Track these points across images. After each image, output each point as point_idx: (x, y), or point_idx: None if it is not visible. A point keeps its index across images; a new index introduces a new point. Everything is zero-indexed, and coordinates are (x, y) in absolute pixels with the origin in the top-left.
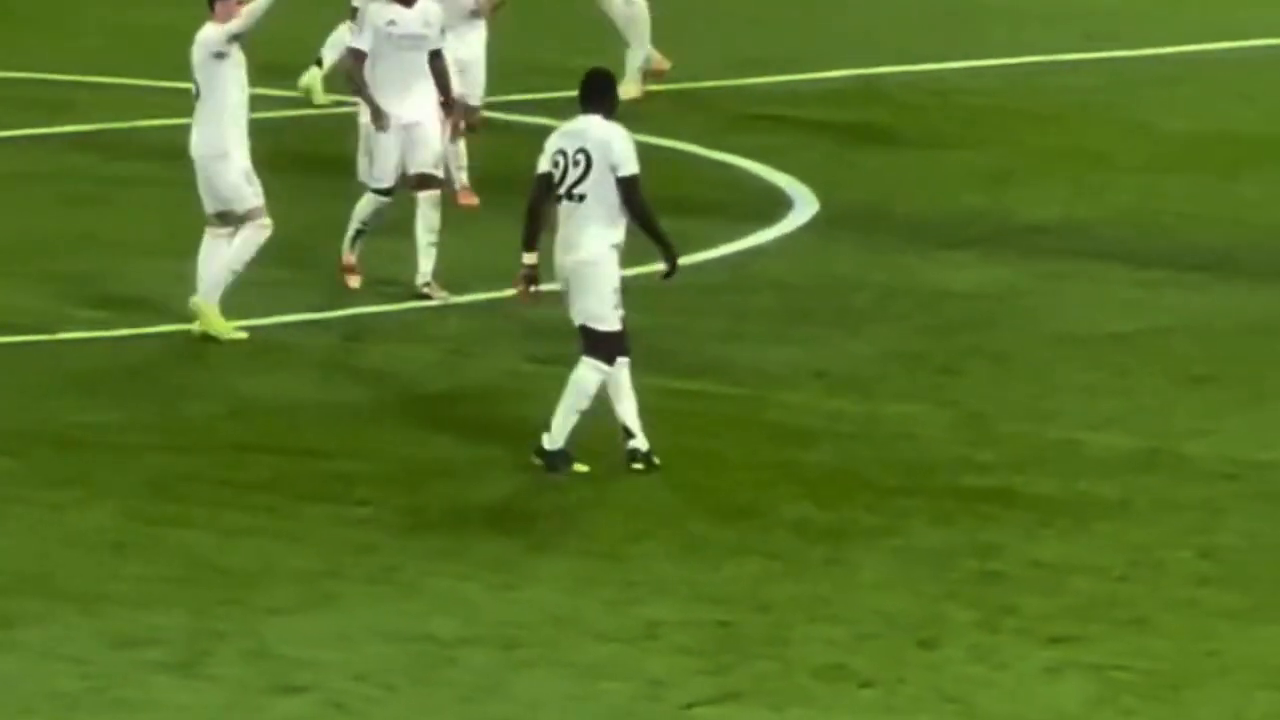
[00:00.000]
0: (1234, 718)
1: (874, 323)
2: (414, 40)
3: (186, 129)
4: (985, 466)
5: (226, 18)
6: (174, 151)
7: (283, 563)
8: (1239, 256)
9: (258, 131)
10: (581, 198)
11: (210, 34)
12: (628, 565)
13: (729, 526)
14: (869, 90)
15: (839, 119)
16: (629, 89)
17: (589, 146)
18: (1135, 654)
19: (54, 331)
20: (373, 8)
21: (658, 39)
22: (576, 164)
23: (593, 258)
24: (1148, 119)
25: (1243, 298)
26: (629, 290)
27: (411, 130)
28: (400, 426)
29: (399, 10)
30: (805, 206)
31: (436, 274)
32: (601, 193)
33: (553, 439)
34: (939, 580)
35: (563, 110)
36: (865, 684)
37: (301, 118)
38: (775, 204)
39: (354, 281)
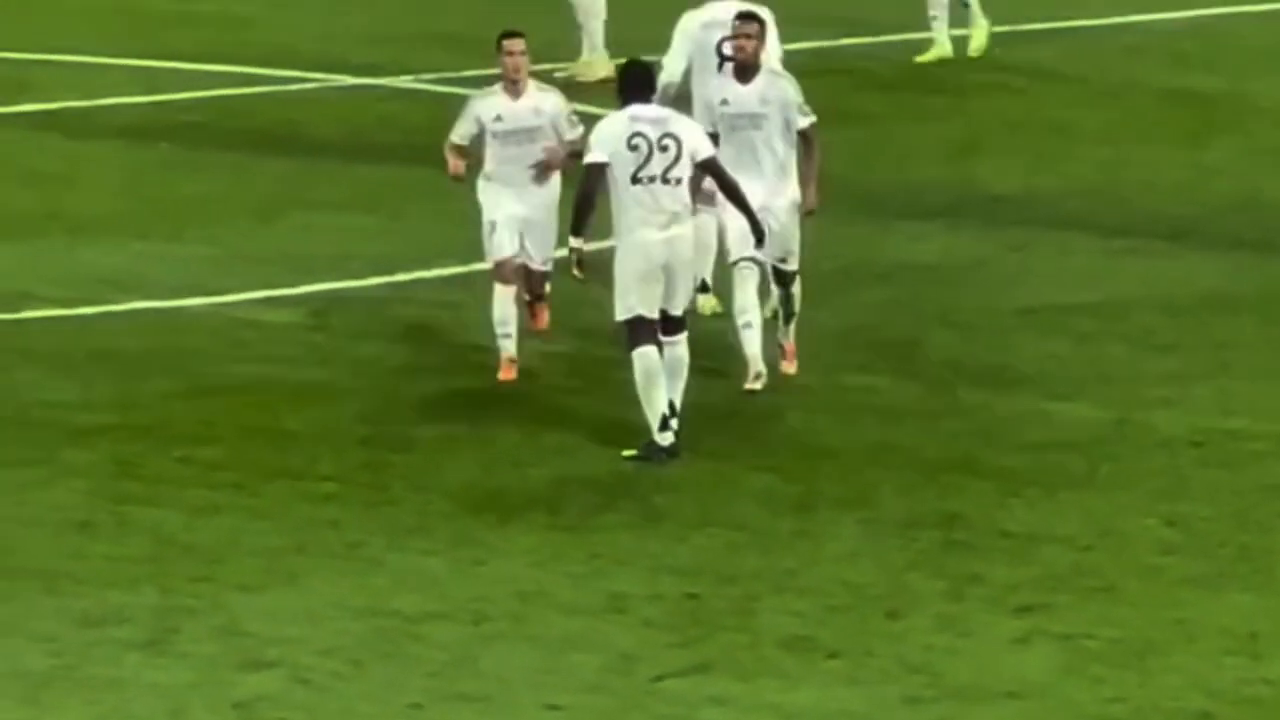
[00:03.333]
0: (1201, 685)
1: (837, 295)
2: (751, 120)
3: (147, 107)
4: (950, 437)
5: None
6: (134, 130)
7: (249, 540)
8: (1202, 225)
9: (210, 110)
10: (678, 181)
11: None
12: (593, 538)
13: (694, 499)
14: (828, 61)
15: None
16: (598, 68)
17: (676, 132)
18: (1102, 622)
19: (17, 310)
20: (712, 83)
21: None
22: (665, 149)
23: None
24: (1111, 88)
25: (1206, 266)
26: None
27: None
28: (364, 403)
29: (734, 87)
30: None
31: (388, 258)
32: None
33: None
34: (905, 551)
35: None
36: (832, 655)
37: (255, 95)
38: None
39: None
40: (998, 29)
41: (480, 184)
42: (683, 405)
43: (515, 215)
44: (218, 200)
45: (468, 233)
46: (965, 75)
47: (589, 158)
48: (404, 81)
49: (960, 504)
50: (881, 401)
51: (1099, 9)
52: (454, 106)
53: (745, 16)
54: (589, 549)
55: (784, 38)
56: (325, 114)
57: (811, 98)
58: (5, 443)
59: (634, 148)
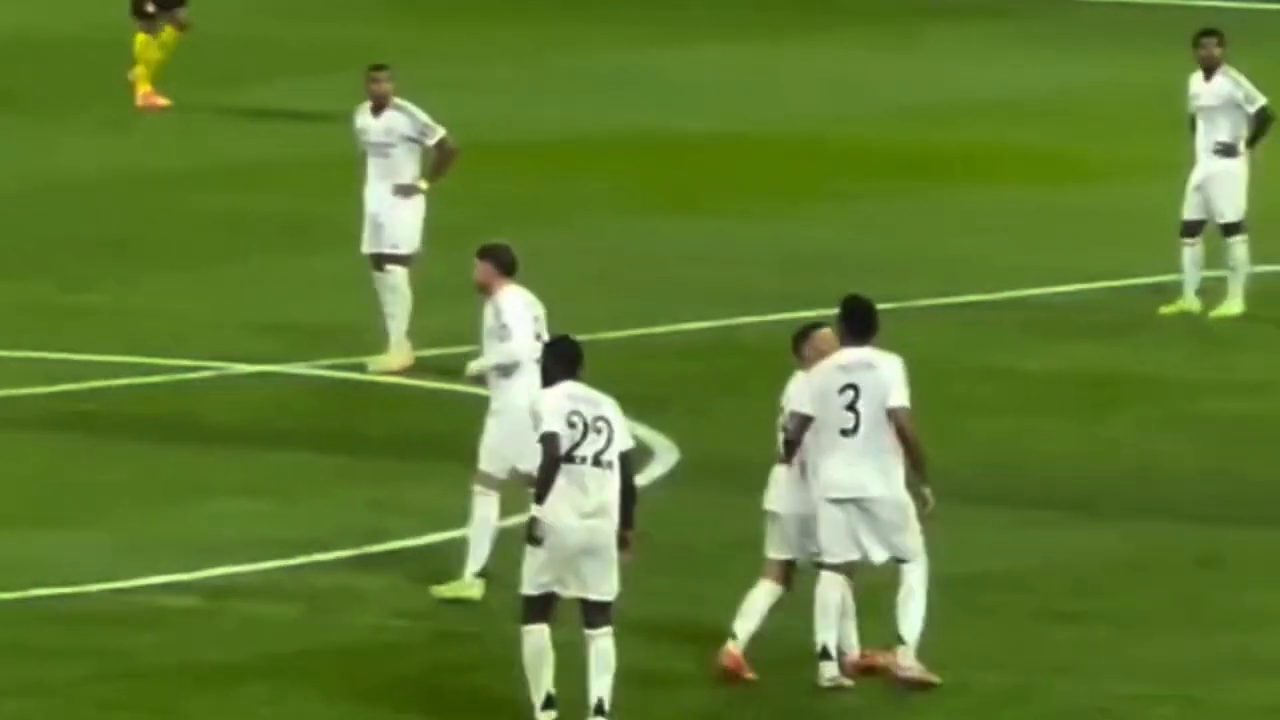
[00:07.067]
0: None
1: (739, 568)
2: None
3: (44, 399)
4: (851, 712)
5: None
6: (32, 421)
7: None
8: (1101, 496)
9: (107, 399)
10: (609, 465)
11: None
12: None
13: None
14: (724, 340)
15: (695, 370)
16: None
17: (608, 415)
18: None
19: None
20: None
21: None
22: (598, 431)
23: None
24: (1006, 363)
25: (1107, 536)
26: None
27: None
28: (264, 685)
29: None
30: (666, 457)
31: (286, 542)
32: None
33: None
34: None
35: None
36: None
37: (152, 384)
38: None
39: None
40: (893, 305)
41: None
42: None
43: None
44: (115, 488)
45: (363, 517)
46: None
47: (544, 427)
48: (299, 368)
49: None
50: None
51: (986, 284)
52: (348, 392)
53: None
54: None
55: (678, 319)
56: (222, 401)
57: (707, 376)
58: None
59: (571, 425)
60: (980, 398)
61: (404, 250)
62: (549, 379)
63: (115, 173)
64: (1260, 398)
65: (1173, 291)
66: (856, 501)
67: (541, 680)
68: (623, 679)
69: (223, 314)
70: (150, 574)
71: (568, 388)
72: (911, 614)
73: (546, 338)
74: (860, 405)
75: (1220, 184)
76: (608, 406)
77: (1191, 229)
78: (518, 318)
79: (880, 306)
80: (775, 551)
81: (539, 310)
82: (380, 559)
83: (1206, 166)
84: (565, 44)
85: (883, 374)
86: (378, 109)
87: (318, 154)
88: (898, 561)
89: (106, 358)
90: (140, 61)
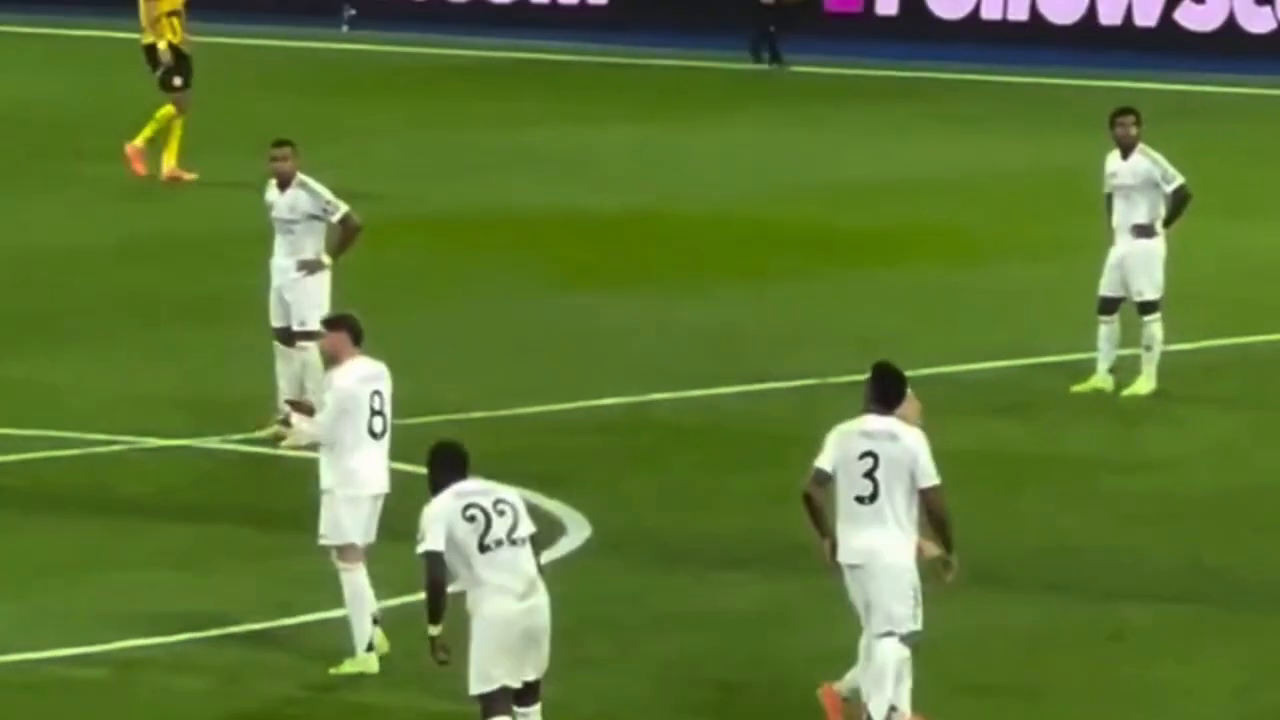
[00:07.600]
0: None
1: (649, 645)
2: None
3: None
4: None
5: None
6: None
7: None
8: (1012, 571)
9: (20, 474)
10: (524, 540)
11: None
12: None
13: None
14: (637, 416)
15: (608, 445)
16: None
17: (507, 498)
18: None
19: None
20: None
21: (431, 369)
22: (502, 514)
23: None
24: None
25: (1017, 610)
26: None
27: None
28: None
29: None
30: (578, 531)
31: (198, 615)
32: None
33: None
34: None
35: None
36: None
37: (65, 458)
38: (548, 530)
39: None
40: (814, 381)
41: None
42: None
43: None
44: (27, 560)
45: (274, 590)
46: (778, 429)
47: (424, 546)
48: (211, 442)
49: None
50: None
51: (898, 361)
52: (259, 466)
53: None
54: None
55: (595, 394)
56: (135, 475)
57: (622, 451)
58: None
59: (470, 519)
60: None
61: (311, 326)
62: (437, 486)
63: (30, 247)
64: (1168, 474)
65: (1084, 370)
66: (865, 568)
67: None
68: None
69: (136, 388)
70: (61, 645)
71: (456, 487)
72: (881, 694)
73: (389, 409)
74: (878, 474)
75: (1140, 262)
76: (505, 491)
77: (1109, 306)
78: (338, 401)
79: (795, 383)
80: None
81: (382, 384)
82: (290, 632)
83: (1125, 245)
84: (477, 121)
85: (906, 445)
86: (282, 186)
87: (230, 228)
88: (884, 635)
89: (20, 431)
90: (153, 120)
